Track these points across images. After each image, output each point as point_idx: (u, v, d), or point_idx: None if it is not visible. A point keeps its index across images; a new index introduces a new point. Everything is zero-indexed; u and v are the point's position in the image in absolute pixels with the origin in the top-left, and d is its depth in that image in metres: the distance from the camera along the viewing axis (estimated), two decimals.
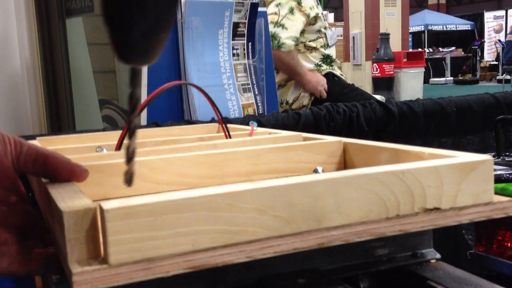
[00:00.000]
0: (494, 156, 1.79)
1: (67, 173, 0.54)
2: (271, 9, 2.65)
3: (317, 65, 2.75)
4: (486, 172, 0.52)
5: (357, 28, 11.30)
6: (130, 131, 0.47)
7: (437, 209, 0.50)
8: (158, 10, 0.39)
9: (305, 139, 0.93)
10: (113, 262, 0.41)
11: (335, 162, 0.82)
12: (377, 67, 10.04)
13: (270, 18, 2.60)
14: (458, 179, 0.51)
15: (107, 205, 0.41)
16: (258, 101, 1.77)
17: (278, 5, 2.64)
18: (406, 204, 0.49)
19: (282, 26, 2.59)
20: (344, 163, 0.83)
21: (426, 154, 0.62)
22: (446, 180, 0.50)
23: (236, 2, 1.62)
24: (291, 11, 2.61)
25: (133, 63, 0.42)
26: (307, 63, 2.73)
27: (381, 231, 0.48)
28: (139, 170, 0.72)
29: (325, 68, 2.76)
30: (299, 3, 2.64)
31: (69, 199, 0.46)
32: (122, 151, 0.89)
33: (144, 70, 2.50)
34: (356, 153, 0.80)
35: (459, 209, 0.51)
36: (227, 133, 0.99)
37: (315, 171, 0.77)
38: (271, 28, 2.58)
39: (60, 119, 1.69)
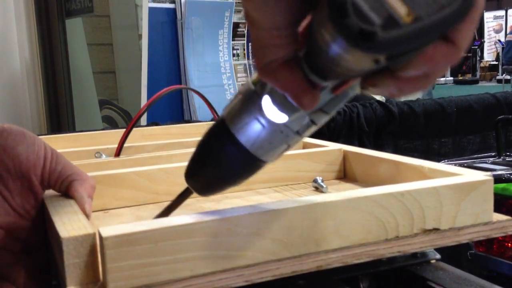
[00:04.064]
0: (494, 156, 1.79)
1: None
2: None
3: None
4: (486, 192, 0.52)
5: None
6: None
7: (436, 229, 0.50)
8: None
9: (305, 145, 0.93)
10: None
11: (335, 170, 0.82)
12: None
13: None
14: (457, 200, 0.51)
15: (105, 232, 0.41)
16: None
17: None
18: (405, 226, 0.49)
19: None
20: (344, 172, 0.82)
21: (426, 169, 0.62)
22: (445, 201, 0.50)
23: (236, 2, 1.62)
24: None
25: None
26: None
27: (380, 253, 0.48)
28: (138, 180, 0.72)
29: None
30: None
31: (68, 222, 0.46)
32: (121, 158, 0.89)
33: (145, 69, 2.52)
34: (356, 162, 0.80)
35: (458, 229, 0.51)
36: None
37: (315, 181, 0.77)
38: None
39: (60, 119, 1.68)
